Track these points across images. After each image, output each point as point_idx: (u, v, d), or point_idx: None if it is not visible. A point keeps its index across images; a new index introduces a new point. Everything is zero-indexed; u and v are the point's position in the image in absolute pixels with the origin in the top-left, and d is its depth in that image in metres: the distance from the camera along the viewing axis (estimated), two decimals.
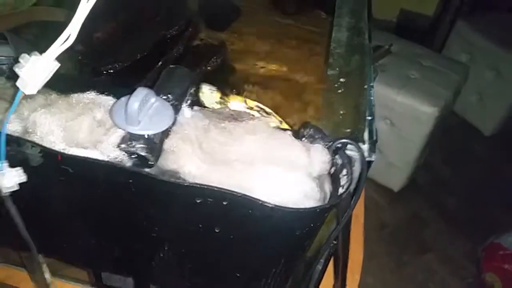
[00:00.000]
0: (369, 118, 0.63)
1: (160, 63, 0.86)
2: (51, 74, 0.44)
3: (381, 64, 2.14)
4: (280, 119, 0.61)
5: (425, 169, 2.33)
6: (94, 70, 0.88)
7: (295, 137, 0.52)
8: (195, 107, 0.54)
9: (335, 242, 0.66)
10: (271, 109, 0.67)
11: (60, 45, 0.43)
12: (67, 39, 0.43)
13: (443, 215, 2.18)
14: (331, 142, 0.52)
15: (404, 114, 2.01)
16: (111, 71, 0.87)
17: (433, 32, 3.04)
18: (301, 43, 1.14)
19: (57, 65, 0.45)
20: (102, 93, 0.57)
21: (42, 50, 0.46)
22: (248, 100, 0.62)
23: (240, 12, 1.27)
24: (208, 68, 0.89)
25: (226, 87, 0.94)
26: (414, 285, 1.91)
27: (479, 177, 2.42)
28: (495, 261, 1.83)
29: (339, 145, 0.53)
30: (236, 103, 0.57)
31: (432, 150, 2.26)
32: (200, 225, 0.48)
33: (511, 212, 2.21)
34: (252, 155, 0.46)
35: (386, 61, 2.16)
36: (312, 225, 0.48)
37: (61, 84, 0.57)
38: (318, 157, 0.49)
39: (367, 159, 0.58)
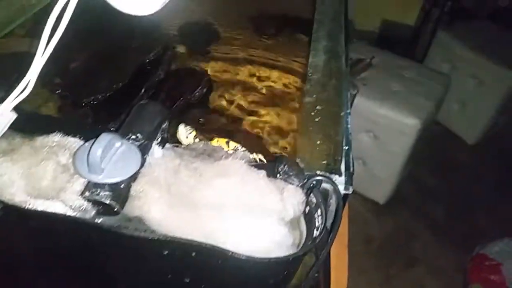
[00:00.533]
0: (346, 148, 0.61)
1: (143, 90, 0.84)
2: (7, 126, 0.42)
3: (363, 77, 2.14)
4: (259, 157, 0.59)
5: (411, 180, 2.33)
6: (74, 102, 0.85)
7: (270, 175, 0.51)
8: (167, 145, 0.52)
9: (316, 275, 0.64)
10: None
11: (17, 96, 0.41)
12: (24, 88, 0.41)
13: (430, 226, 2.18)
14: (306, 180, 0.51)
15: (387, 127, 2.00)
16: (92, 102, 0.85)
17: (415, 42, 3.06)
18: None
19: (13, 116, 0.42)
20: (69, 134, 0.54)
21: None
22: (231, 142, 0.60)
23: (220, 35, 1.26)
24: (192, 98, 0.87)
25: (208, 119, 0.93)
26: None
27: (464, 186, 2.42)
28: (481, 272, 1.83)
29: (314, 183, 0.51)
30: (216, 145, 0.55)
31: (416, 161, 2.26)
32: (169, 276, 0.46)
33: (496, 220, 2.21)
34: (223, 200, 0.44)
35: (368, 74, 2.16)
36: (285, 272, 0.46)
37: (30, 123, 0.55)
38: (292, 199, 0.47)
39: (344, 192, 0.56)
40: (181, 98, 0.84)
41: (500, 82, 2.47)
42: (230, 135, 0.91)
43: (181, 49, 1.14)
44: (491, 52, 2.51)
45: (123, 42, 0.94)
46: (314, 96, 0.71)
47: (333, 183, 0.52)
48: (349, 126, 0.67)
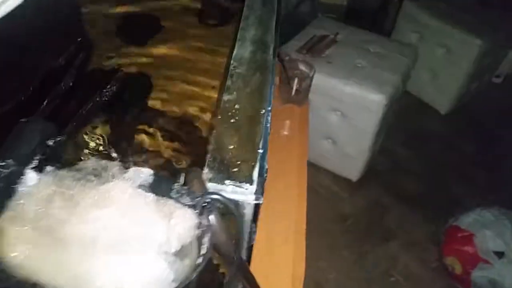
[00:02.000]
0: (261, 151, 0.58)
1: (45, 102, 0.79)
2: None
3: (327, 55, 2.11)
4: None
5: (383, 154, 2.32)
6: None
7: (164, 194, 0.47)
8: (48, 168, 0.47)
9: None
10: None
11: None
12: None
13: (404, 200, 2.18)
14: (200, 199, 0.47)
15: (353, 104, 1.98)
16: None
17: (383, 14, 3.02)
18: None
19: None
20: None
21: None
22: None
23: (162, 26, 1.22)
24: (103, 98, 0.83)
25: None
26: (376, 275, 1.89)
27: (438, 157, 2.42)
28: (454, 244, 1.84)
29: (207, 203, 0.47)
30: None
31: (388, 134, 2.25)
32: None
33: (471, 191, 2.22)
34: (98, 235, 0.41)
35: (332, 51, 2.13)
36: None
37: None
38: (181, 225, 0.43)
39: (255, 202, 0.53)
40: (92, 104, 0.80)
41: (468, 50, 2.45)
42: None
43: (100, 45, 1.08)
44: (458, 19, 2.48)
45: (29, 44, 0.88)
46: (235, 93, 0.67)
47: (227, 202, 0.49)
48: (268, 125, 0.64)
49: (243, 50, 0.77)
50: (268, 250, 1.02)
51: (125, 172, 0.47)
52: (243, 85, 0.70)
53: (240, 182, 0.54)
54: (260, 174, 0.55)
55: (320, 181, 2.20)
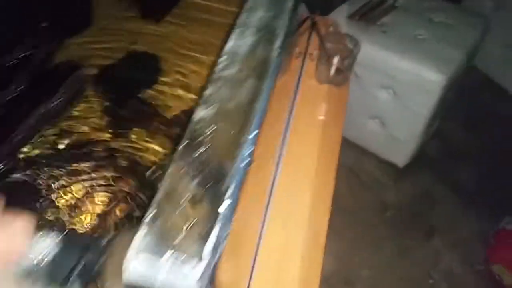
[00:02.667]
0: (223, 208, 0.41)
1: None
2: None
3: (384, 23, 1.85)
4: None
5: (437, 138, 2.07)
6: None
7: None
8: None
9: None
10: None
11: None
12: None
13: (455, 192, 1.94)
14: None
15: (407, 83, 1.73)
16: None
17: None
18: None
19: None
20: None
21: None
22: None
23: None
24: (59, 100, 0.67)
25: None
26: (414, 275, 1.71)
27: (501, 145, 2.12)
28: (504, 250, 1.60)
29: None
30: None
31: (446, 115, 1.99)
32: None
33: None
34: None
35: (390, 19, 1.86)
36: None
37: None
38: None
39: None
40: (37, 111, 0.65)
41: None
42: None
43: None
44: None
45: None
46: (211, 108, 0.50)
47: None
48: (242, 165, 0.46)
49: (240, 42, 0.59)
50: (282, 247, 0.85)
51: None
52: (226, 96, 0.52)
53: (182, 257, 0.37)
54: (216, 247, 0.38)
55: (363, 165, 1.99)
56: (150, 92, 0.89)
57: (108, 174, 0.73)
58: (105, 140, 0.79)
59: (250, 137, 0.47)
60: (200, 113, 0.49)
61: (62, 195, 0.69)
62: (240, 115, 0.49)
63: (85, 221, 0.68)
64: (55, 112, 0.68)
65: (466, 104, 2.20)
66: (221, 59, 0.56)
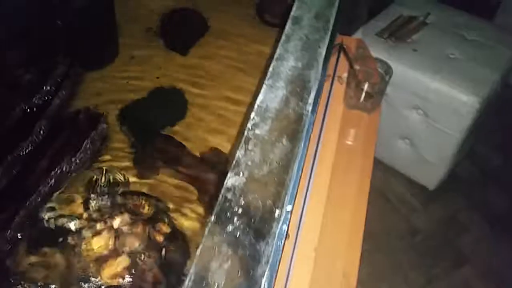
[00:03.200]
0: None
1: None
2: None
3: (414, 40, 1.79)
4: None
5: (469, 160, 1.99)
6: None
7: None
8: None
9: None
10: None
11: None
12: None
13: (488, 218, 1.86)
14: None
15: (439, 104, 1.67)
16: None
17: None
18: None
19: None
20: None
21: None
22: None
23: (208, 26, 1.02)
24: (76, 161, 0.64)
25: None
26: None
27: None
28: None
29: None
30: None
31: (479, 136, 1.91)
32: None
33: None
34: None
35: (421, 36, 1.81)
36: None
37: None
38: None
39: None
40: (57, 171, 0.62)
41: None
42: None
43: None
44: None
45: (8, 75, 0.69)
46: (243, 174, 0.46)
47: None
48: (279, 243, 0.42)
49: (270, 95, 0.55)
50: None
51: None
52: (258, 159, 0.48)
53: None
54: None
55: (393, 187, 1.93)
56: (175, 129, 0.87)
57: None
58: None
59: (287, 210, 0.44)
60: (232, 179, 0.46)
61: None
62: (274, 183, 0.46)
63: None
64: (76, 169, 0.66)
65: (500, 124, 2.12)
66: (252, 115, 0.53)
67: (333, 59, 1.30)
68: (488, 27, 1.89)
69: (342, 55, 1.31)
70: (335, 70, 1.30)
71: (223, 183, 0.45)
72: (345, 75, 1.25)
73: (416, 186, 1.93)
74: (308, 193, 0.96)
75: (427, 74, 1.66)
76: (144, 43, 1.04)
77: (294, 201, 0.46)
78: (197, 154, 0.84)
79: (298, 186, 0.48)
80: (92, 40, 0.93)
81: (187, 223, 0.75)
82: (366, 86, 1.20)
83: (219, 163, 0.83)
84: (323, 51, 0.61)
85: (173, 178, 0.78)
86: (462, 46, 1.75)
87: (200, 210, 0.76)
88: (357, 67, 1.21)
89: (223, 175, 0.46)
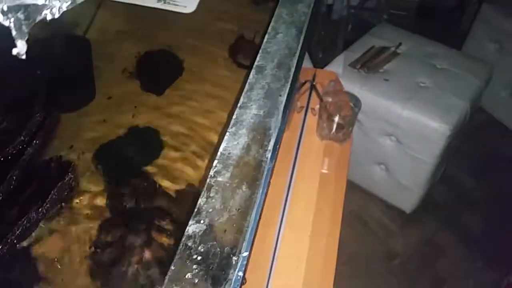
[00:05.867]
0: None
1: None
2: None
3: (386, 70, 1.86)
4: None
5: (444, 183, 2.05)
6: None
7: None
8: None
9: None
10: None
11: None
12: None
13: (463, 240, 1.91)
14: None
15: (411, 131, 1.73)
16: None
17: (459, 15, 2.68)
18: None
19: None
20: None
21: None
22: None
23: (183, 68, 1.06)
24: (43, 210, 0.67)
25: None
26: None
27: (510, 189, 2.10)
28: None
29: None
30: None
31: (453, 160, 1.98)
32: None
33: None
34: None
35: (392, 66, 1.88)
36: None
37: None
38: None
39: None
40: (24, 220, 0.65)
41: None
42: None
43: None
44: None
45: None
46: (204, 221, 0.50)
47: None
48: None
49: (233, 143, 0.59)
50: None
51: None
52: (219, 207, 0.52)
53: None
54: None
55: (370, 211, 1.98)
56: (151, 168, 0.90)
57: None
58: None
59: (243, 256, 0.47)
60: (193, 227, 0.50)
61: None
62: (233, 230, 0.50)
63: None
64: (42, 218, 0.68)
65: (472, 147, 2.19)
66: (215, 162, 0.57)
67: (306, 92, 1.35)
68: (458, 55, 1.97)
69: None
70: (308, 102, 1.35)
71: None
72: (317, 106, 1.30)
73: (393, 210, 1.98)
74: (283, 222, 0.99)
75: (398, 103, 1.72)
76: (120, 84, 1.07)
77: (251, 247, 0.50)
78: (172, 192, 0.87)
79: (255, 232, 0.51)
80: (70, 84, 0.96)
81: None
82: (337, 118, 1.25)
83: (194, 200, 0.86)
84: (283, 99, 0.66)
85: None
86: (432, 75, 1.82)
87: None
88: (328, 99, 1.26)
89: None
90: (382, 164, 1.90)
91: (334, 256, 1.08)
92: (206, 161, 0.90)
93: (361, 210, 1.97)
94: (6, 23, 0.43)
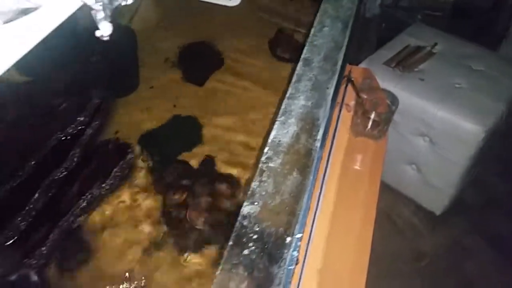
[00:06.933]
0: None
1: (37, 195, 0.68)
2: None
3: (421, 69, 1.85)
4: None
5: (475, 186, 2.03)
6: None
7: None
8: None
9: None
10: None
11: None
12: None
13: (492, 243, 1.88)
14: None
15: (444, 132, 1.72)
16: None
17: (495, 15, 2.63)
18: None
19: None
20: None
21: None
22: None
23: (223, 60, 1.09)
24: (105, 186, 0.71)
25: None
26: None
27: None
28: None
29: None
30: None
31: (485, 163, 1.95)
32: None
33: None
34: None
35: (427, 66, 1.86)
36: None
37: None
38: None
39: None
40: (88, 195, 0.68)
41: None
42: None
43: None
44: None
45: (37, 110, 0.76)
46: (258, 203, 0.52)
47: None
48: (290, 267, 0.48)
49: (282, 131, 0.61)
50: None
51: None
52: (271, 190, 0.54)
53: None
54: None
55: (399, 211, 1.97)
56: (191, 155, 0.93)
57: None
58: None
59: (297, 238, 0.49)
60: (247, 208, 0.52)
61: None
62: (286, 213, 0.52)
63: None
64: (105, 193, 0.72)
65: (506, 150, 2.15)
66: (266, 149, 0.59)
67: (341, 88, 1.36)
68: (494, 57, 1.95)
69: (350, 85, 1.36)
70: (343, 98, 1.35)
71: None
72: (352, 103, 1.30)
73: (423, 211, 1.97)
74: (315, 217, 1.01)
75: (433, 103, 1.71)
76: (163, 74, 1.11)
77: (304, 228, 0.51)
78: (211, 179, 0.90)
79: (307, 215, 0.53)
80: (117, 72, 1.00)
81: None
82: (373, 115, 1.26)
83: (232, 188, 0.89)
84: (331, 91, 0.67)
85: None
86: (468, 76, 1.80)
87: None
88: (364, 96, 1.26)
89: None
90: (414, 164, 1.90)
91: (367, 253, 1.09)
92: (246, 150, 0.93)
93: (390, 209, 1.97)
94: (96, 6, 0.46)
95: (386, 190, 1.98)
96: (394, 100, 1.27)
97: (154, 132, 0.96)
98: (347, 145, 1.26)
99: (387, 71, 1.83)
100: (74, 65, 0.85)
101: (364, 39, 2.33)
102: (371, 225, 1.15)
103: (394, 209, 1.96)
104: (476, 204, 2.02)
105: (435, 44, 1.94)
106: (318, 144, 0.59)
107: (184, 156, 0.93)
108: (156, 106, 1.03)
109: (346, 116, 1.30)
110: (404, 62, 1.86)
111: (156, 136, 0.96)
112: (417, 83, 1.78)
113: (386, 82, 1.75)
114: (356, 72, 1.39)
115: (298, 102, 0.65)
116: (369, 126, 1.27)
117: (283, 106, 0.65)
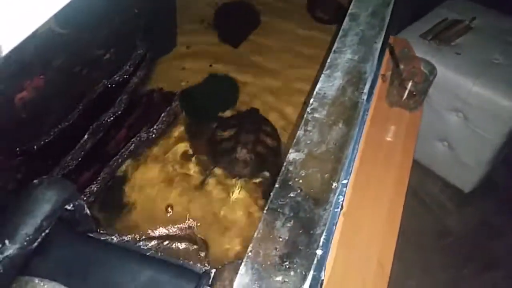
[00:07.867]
0: (319, 252, 0.43)
1: (86, 136, 0.69)
2: None
3: (458, 43, 1.80)
4: None
5: (506, 165, 1.99)
6: (7, 151, 0.70)
7: None
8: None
9: None
10: None
11: None
12: None
13: None
14: None
15: (479, 108, 1.68)
16: (29, 150, 0.69)
17: None
18: None
19: None
20: None
21: None
22: None
23: (259, 21, 1.08)
24: (153, 130, 0.72)
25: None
26: None
27: None
28: None
29: None
30: None
31: None
32: None
33: None
34: None
35: (465, 40, 1.81)
36: None
37: None
38: None
39: None
40: (137, 138, 0.69)
41: None
42: None
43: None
44: None
45: (84, 58, 0.77)
46: (304, 151, 0.52)
47: None
48: (337, 209, 0.48)
49: (328, 84, 0.61)
50: (345, 273, 0.87)
51: None
52: (317, 139, 0.54)
53: None
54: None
55: (427, 187, 1.95)
56: (227, 113, 0.94)
57: None
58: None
59: (342, 183, 0.49)
60: (293, 155, 0.52)
61: None
62: (331, 161, 0.51)
63: None
64: (152, 138, 0.74)
65: None
66: (311, 100, 0.58)
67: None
68: None
69: (386, 54, 1.34)
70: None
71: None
72: (388, 73, 1.28)
73: (451, 188, 1.94)
74: (347, 186, 1.00)
75: (469, 78, 1.67)
76: (199, 34, 1.10)
77: (349, 177, 0.51)
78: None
79: (353, 165, 0.53)
80: (156, 30, 1.01)
81: None
82: (409, 85, 1.23)
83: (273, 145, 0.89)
84: (378, 46, 0.66)
85: None
86: (506, 52, 1.75)
87: None
88: (401, 66, 1.24)
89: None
90: (445, 140, 1.87)
91: (398, 221, 1.08)
92: (283, 107, 0.93)
93: (418, 186, 1.95)
94: None
95: (415, 166, 1.95)
96: (432, 69, 1.24)
97: (190, 90, 0.97)
98: (381, 116, 1.25)
99: (423, 44, 1.79)
100: (115, 17, 0.86)
101: (401, 9, 2.27)
102: (403, 194, 1.14)
103: (422, 186, 1.95)
104: (506, 183, 1.99)
105: (474, 18, 1.88)
106: (365, 97, 0.59)
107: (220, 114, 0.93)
108: (192, 65, 1.03)
109: (381, 87, 1.28)
110: (441, 35, 1.81)
111: (193, 93, 0.96)
112: (454, 57, 1.74)
113: (422, 54, 1.70)
114: (393, 42, 1.36)
115: (344, 56, 0.64)
116: (405, 96, 1.25)
117: (328, 60, 0.64)
